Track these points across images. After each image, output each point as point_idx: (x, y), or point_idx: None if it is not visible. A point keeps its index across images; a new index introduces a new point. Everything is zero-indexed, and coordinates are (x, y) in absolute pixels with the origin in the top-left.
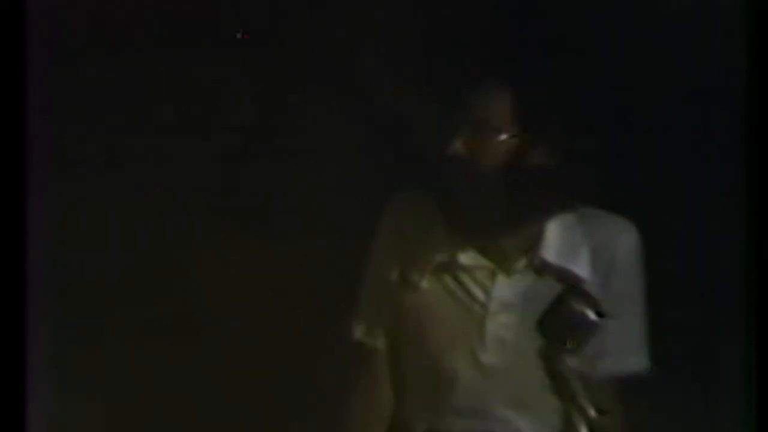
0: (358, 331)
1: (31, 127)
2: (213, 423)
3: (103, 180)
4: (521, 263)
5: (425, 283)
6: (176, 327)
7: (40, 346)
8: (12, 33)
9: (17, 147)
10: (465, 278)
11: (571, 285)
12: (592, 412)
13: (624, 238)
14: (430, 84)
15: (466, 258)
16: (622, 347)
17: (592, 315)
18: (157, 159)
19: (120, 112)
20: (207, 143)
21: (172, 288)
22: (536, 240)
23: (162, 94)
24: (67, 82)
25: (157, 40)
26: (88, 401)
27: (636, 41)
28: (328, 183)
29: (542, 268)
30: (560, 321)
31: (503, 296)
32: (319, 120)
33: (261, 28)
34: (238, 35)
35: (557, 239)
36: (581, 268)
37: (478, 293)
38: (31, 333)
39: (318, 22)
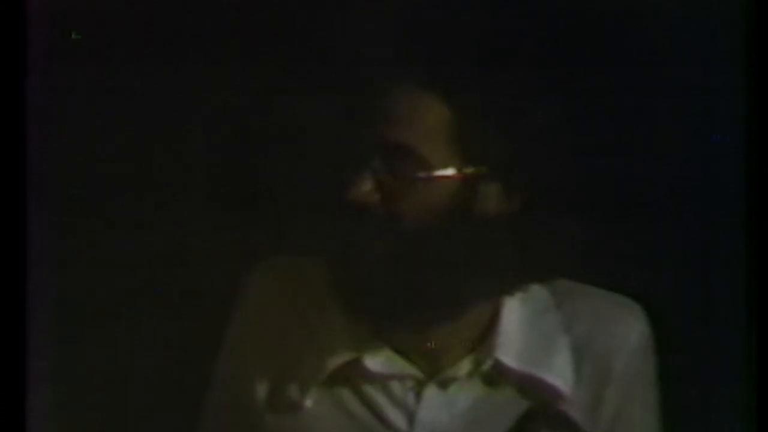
0: None
1: (31, 127)
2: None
3: (103, 180)
4: (463, 368)
5: (310, 403)
6: (178, 327)
7: (40, 347)
8: (12, 33)
9: (17, 147)
10: (374, 393)
11: (542, 402)
12: None
13: (627, 330)
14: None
15: (376, 361)
16: None
17: None
18: (158, 159)
19: (120, 113)
20: (210, 143)
21: (174, 289)
22: (487, 332)
23: (163, 95)
24: (67, 83)
25: (159, 41)
26: (89, 401)
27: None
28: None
29: (497, 376)
30: None
31: (434, 420)
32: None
33: (260, 26)
34: None
35: (520, 331)
36: (558, 377)
37: (396, 416)
38: (31, 334)
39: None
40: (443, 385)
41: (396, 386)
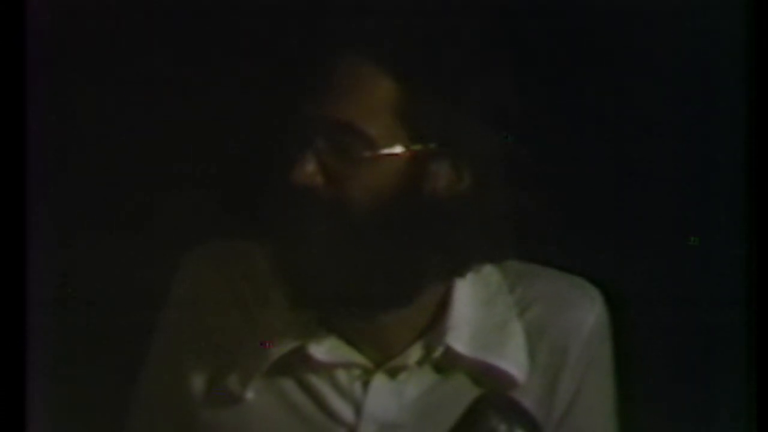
0: None
1: (32, 126)
2: None
3: (103, 179)
4: (413, 356)
5: (251, 394)
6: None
7: (40, 347)
8: (12, 33)
9: (17, 147)
10: (319, 383)
11: (494, 390)
12: None
13: (583, 314)
14: None
15: (321, 349)
16: None
17: None
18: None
19: (120, 113)
20: (211, 142)
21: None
22: (437, 317)
23: (163, 94)
24: (68, 82)
25: (158, 40)
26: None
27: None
28: None
29: (448, 363)
30: None
31: (383, 410)
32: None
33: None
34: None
35: (472, 316)
36: (512, 363)
37: (342, 407)
38: (31, 334)
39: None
40: (392, 373)
41: (342, 375)
